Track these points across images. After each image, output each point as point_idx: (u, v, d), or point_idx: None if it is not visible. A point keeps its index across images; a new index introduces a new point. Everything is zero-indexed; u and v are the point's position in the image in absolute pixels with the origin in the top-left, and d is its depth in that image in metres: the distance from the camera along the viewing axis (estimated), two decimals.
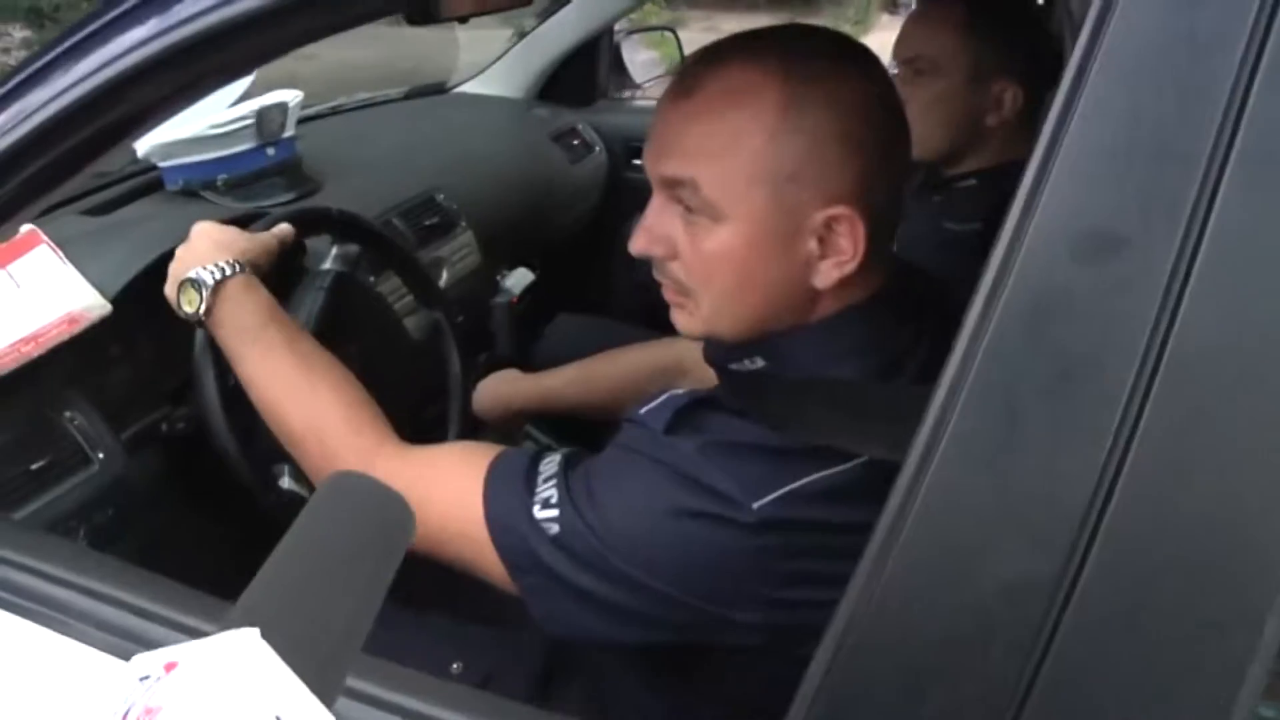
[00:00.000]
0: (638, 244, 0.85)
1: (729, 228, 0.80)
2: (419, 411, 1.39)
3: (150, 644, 0.81)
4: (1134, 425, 0.48)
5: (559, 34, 2.43)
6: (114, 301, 1.23)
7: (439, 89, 2.56)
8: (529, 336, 1.91)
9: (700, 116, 0.80)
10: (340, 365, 1.03)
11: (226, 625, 0.43)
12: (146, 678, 0.42)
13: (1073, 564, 0.49)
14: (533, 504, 0.81)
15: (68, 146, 0.84)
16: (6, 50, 7.26)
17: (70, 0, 7.01)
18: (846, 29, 8.74)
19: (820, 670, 0.56)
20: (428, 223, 1.81)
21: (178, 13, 0.75)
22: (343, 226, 1.34)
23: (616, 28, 2.54)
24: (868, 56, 0.83)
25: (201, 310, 1.02)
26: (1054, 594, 0.49)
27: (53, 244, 1.26)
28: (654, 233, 0.84)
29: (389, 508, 0.50)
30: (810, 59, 0.79)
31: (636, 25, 2.64)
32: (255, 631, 0.42)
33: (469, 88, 2.52)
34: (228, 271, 1.03)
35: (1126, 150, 0.48)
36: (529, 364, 1.68)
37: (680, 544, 0.77)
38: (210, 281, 1.02)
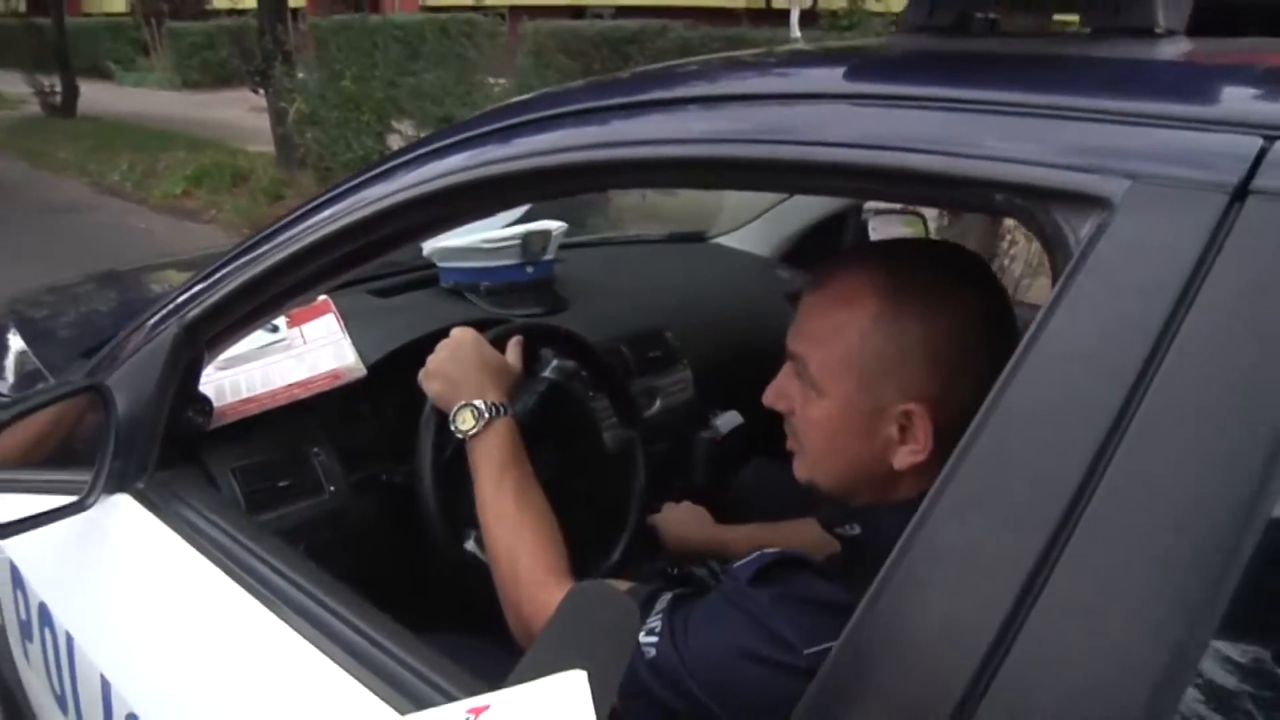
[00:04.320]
0: (767, 397, 1.02)
1: (825, 402, 0.94)
2: (596, 518, 1.53)
3: (344, 642, 0.99)
4: None
5: (815, 202, 2.54)
6: (370, 368, 1.49)
7: (698, 237, 2.75)
8: (726, 473, 2.02)
9: (817, 307, 0.95)
10: (549, 512, 1.23)
11: (515, 680, 0.52)
12: None
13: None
14: (641, 630, 0.95)
15: (381, 235, 1.05)
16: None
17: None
18: None
19: None
20: (651, 354, 1.99)
21: (495, 153, 0.95)
22: (565, 343, 1.54)
23: (867, 205, 2.67)
24: (982, 276, 0.95)
25: (470, 434, 1.26)
26: None
27: (338, 313, 1.55)
28: (779, 391, 1.00)
29: (619, 612, 0.63)
30: (916, 277, 0.92)
31: (888, 206, 2.75)
32: (583, 674, 0.48)
33: (725, 240, 2.71)
34: (501, 413, 1.27)
35: None
36: (720, 497, 1.81)
37: (742, 681, 0.89)
38: (488, 417, 1.26)
